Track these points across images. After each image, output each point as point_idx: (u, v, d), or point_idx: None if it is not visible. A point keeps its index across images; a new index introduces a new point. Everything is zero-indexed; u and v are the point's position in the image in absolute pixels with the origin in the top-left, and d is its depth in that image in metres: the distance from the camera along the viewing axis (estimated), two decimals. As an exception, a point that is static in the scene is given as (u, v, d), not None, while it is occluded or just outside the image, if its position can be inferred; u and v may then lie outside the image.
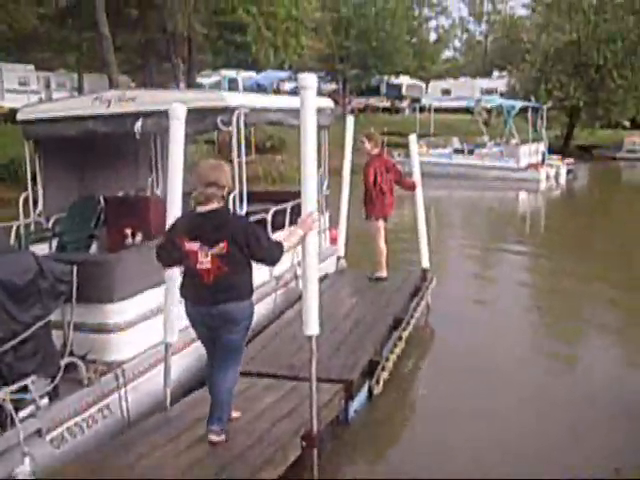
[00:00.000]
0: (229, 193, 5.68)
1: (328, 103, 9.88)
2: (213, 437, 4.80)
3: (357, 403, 6.26)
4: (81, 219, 7.97)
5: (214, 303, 4.48)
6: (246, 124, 7.17)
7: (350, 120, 10.24)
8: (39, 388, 4.85)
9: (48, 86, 35.72)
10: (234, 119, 6.97)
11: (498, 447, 5.83)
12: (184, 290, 4.82)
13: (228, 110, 6.95)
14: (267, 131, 26.30)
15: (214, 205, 4.61)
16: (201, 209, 4.62)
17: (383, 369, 6.78)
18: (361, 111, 40.92)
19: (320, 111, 5.36)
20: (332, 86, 44.08)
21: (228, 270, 4.51)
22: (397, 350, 7.38)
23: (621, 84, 35.49)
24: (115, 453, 4.78)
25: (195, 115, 6.35)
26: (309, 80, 5.01)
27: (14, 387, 4.60)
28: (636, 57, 35.48)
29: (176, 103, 5.72)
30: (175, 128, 5.62)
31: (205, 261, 4.54)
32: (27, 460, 4.48)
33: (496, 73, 53.17)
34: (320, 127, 5.23)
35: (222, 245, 4.50)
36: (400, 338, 7.60)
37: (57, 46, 37.16)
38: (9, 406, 4.51)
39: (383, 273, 9.50)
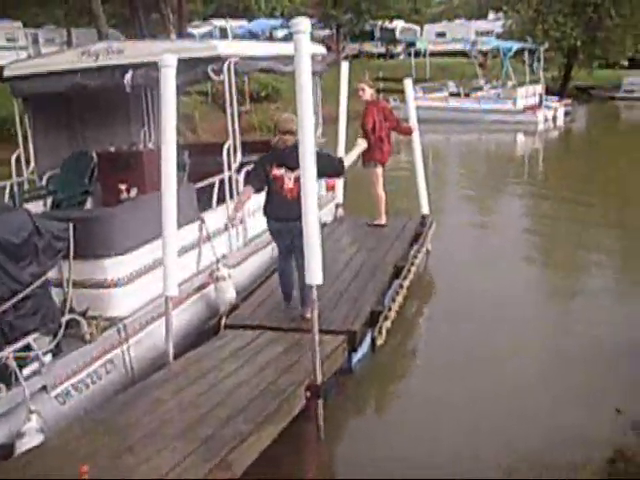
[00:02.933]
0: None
1: (320, 49, 9.71)
2: (307, 315, 5.76)
3: (360, 353, 6.26)
4: (74, 175, 7.88)
5: (298, 217, 5.15)
6: (237, 73, 7.04)
7: (345, 66, 10.10)
8: (41, 346, 4.84)
9: (36, 42, 35.07)
10: (225, 68, 6.83)
11: (500, 398, 5.82)
12: (269, 209, 6.29)
13: (219, 59, 6.82)
14: (262, 80, 25.93)
15: (289, 143, 6.03)
16: (282, 146, 6.15)
17: (385, 319, 6.76)
18: (355, 57, 40.29)
19: (312, 57, 5.24)
20: (325, 32, 43.28)
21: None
22: (399, 299, 7.37)
23: (619, 22, 34.76)
24: (120, 409, 4.79)
25: (185, 65, 6.21)
26: (302, 25, 4.89)
27: (17, 345, 4.59)
28: (635, -6, 34.77)
29: (166, 53, 5.58)
30: (166, 78, 5.48)
31: (289, 182, 6.09)
32: (34, 417, 4.48)
33: (492, 15, 52.14)
34: (313, 74, 5.12)
35: (299, 171, 5.30)
36: (401, 286, 7.58)
37: (44, 1, 36.38)
38: (13, 364, 4.50)
39: (382, 220, 9.44)
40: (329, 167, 6.30)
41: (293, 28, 4.91)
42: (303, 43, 4.88)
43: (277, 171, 6.14)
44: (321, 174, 5.57)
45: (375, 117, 9.07)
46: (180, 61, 5.66)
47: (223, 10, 40.39)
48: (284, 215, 6.06)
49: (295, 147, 5.29)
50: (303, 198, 4.99)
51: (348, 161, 6.73)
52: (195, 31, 37.71)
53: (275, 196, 6.20)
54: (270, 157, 6.27)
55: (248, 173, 6.71)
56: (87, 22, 33.09)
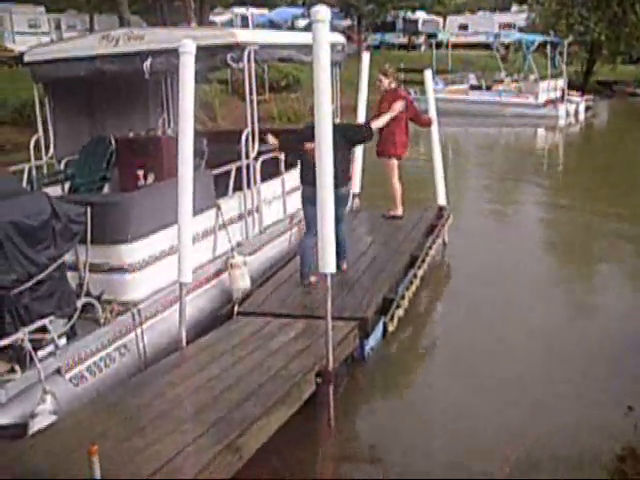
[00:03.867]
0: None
1: (339, 38, 9.68)
2: (344, 266, 7.14)
3: (372, 341, 6.28)
4: (93, 161, 7.94)
5: None
6: (257, 61, 7.05)
7: (366, 57, 10.07)
8: (57, 328, 4.89)
9: (58, 28, 35.25)
10: (244, 56, 6.84)
11: (508, 389, 5.80)
12: (304, 176, 6.81)
13: (238, 47, 6.83)
14: (282, 70, 25.91)
15: None
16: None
17: (398, 307, 6.78)
18: (376, 48, 40.10)
19: (331, 47, 5.25)
20: (347, 22, 43.09)
21: (335, 161, 5.75)
22: (413, 288, 7.39)
23: (644, 18, 34.39)
24: (131, 392, 4.84)
25: (205, 52, 6.23)
26: (322, 13, 4.89)
27: (33, 327, 4.64)
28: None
29: (186, 39, 5.61)
30: (185, 64, 5.50)
31: None
32: (48, 398, 4.55)
33: (515, 7, 51.71)
34: (332, 63, 5.13)
35: None
36: (415, 276, 7.59)
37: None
38: (28, 346, 4.55)
39: (398, 211, 9.43)
40: (358, 134, 7.13)
41: (312, 16, 4.92)
42: (322, 31, 4.89)
43: (309, 144, 6.32)
44: (354, 142, 7.08)
45: (386, 106, 8.95)
46: (199, 48, 5.69)
47: (245, -1, 40.37)
48: (315, 183, 6.24)
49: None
50: (319, 190, 5.10)
51: (376, 125, 7.62)
52: (217, 19, 37.72)
53: (308, 165, 6.46)
54: (304, 132, 6.74)
55: (286, 140, 7.43)
56: (109, 8, 33.17)
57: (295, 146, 7.05)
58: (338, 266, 6.51)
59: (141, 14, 37.63)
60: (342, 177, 6.55)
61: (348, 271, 7.25)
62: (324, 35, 4.89)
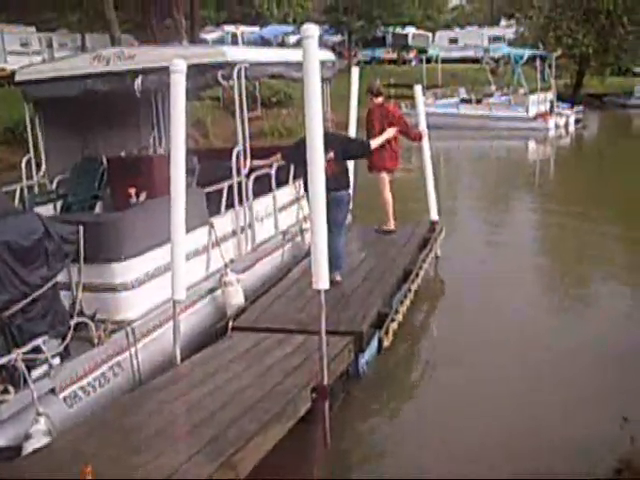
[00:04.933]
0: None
1: (329, 56, 9.75)
2: (338, 278, 7.19)
3: (367, 355, 6.27)
4: (84, 180, 7.95)
5: (334, 188, 6.47)
6: (247, 78, 7.08)
7: (355, 71, 10.14)
8: (50, 348, 4.85)
9: (50, 46, 35.29)
10: (235, 74, 6.88)
11: (509, 399, 5.83)
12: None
13: (228, 65, 6.87)
14: (273, 86, 26.01)
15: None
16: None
17: (392, 320, 6.77)
18: (367, 63, 40.31)
19: (322, 64, 5.30)
20: (337, 38, 43.35)
21: (335, 169, 6.81)
22: (406, 302, 7.39)
23: (631, 30, 34.67)
24: (126, 410, 4.82)
25: (195, 70, 6.26)
26: (311, 30, 4.94)
27: (26, 348, 4.61)
28: (647, 2, 34.64)
29: (177, 58, 5.63)
30: (176, 83, 5.53)
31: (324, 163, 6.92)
32: (42, 419, 4.51)
33: (504, 21, 52.11)
34: (322, 80, 5.17)
35: (331, 153, 6.80)
36: (409, 290, 7.59)
37: (59, 5, 36.62)
38: (22, 366, 4.52)
39: (391, 225, 9.45)
40: (359, 149, 7.67)
41: (302, 34, 4.96)
42: (312, 48, 4.93)
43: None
44: (352, 156, 7.61)
45: (381, 120, 9.03)
46: (190, 67, 5.71)
47: (236, 16, 40.53)
48: None
49: (329, 134, 6.87)
50: (311, 205, 5.11)
51: (375, 144, 8.01)
52: (208, 36, 37.86)
53: None
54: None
55: (289, 148, 7.60)
56: (101, 27, 33.26)
57: (300, 154, 7.09)
58: (332, 279, 6.64)
59: (132, 33, 37.74)
60: (343, 181, 7.22)
61: (342, 285, 7.25)
62: (314, 51, 4.94)
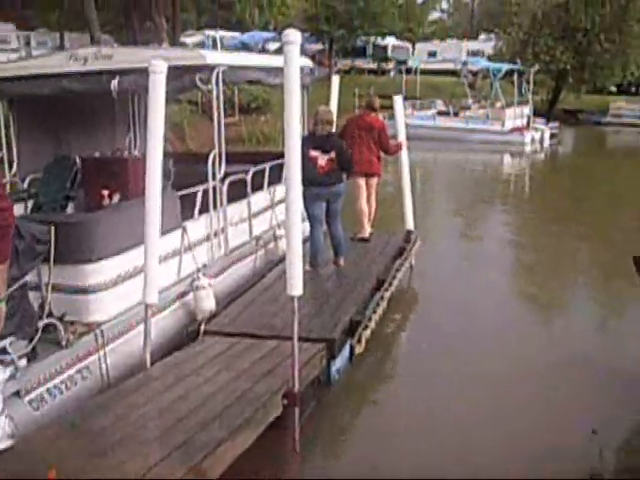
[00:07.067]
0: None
1: (307, 62, 9.75)
2: (341, 262, 8.21)
3: (339, 362, 6.24)
4: (57, 180, 7.82)
5: (327, 185, 7.84)
6: (225, 82, 7.05)
7: (335, 79, 10.17)
8: (17, 350, 4.77)
9: (28, 44, 34.94)
10: (213, 77, 6.85)
11: (479, 406, 5.86)
12: (307, 179, 6.57)
13: (207, 68, 6.83)
14: (251, 92, 25.98)
15: (325, 132, 7.89)
16: (323, 133, 7.87)
17: (365, 328, 6.76)
18: (347, 72, 40.46)
19: (300, 70, 5.28)
20: (318, 46, 43.45)
21: (333, 167, 7.84)
22: (379, 310, 7.38)
23: (608, 48, 35.19)
24: (93, 413, 4.74)
25: (173, 73, 6.17)
26: (293, 36, 4.94)
27: (-9, 348, 4.54)
28: (624, 21, 35.16)
29: (156, 59, 5.58)
30: (155, 84, 5.46)
31: (322, 162, 7.78)
32: (6, 421, 4.42)
33: (483, 36, 52.64)
34: (301, 86, 5.16)
35: (332, 154, 7.80)
36: (382, 298, 7.59)
37: (38, 3, 36.28)
38: (-14, 368, 4.45)
39: (365, 233, 9.42)
40: (345, 163, 7.98)
41: (284, 39, 4.95)
42: (293, 54, 4.92)
43: (313, 152, 7.67)
44: (339, 164, 7.91)
45: (354, 128, 9.10)
46: (168, 69, 5.66)
47: (217, 21, 40.42)
48: (320, 181, 7.72)
49: (330, 135, 7.90)
50: (287, 210, 5.08)
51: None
52: (188, 40, 37.73)
53: (311, 170, 7.30)
54: (308, 140, 7.63)
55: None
56: (80, 27, 32.99)
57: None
58: (336, 262, 8.18)
59: (113, 34, 37.49)
60: (340, 176, 7.95)
61: (316, 293, 7.24)
62: (295, 57, 4.92)
